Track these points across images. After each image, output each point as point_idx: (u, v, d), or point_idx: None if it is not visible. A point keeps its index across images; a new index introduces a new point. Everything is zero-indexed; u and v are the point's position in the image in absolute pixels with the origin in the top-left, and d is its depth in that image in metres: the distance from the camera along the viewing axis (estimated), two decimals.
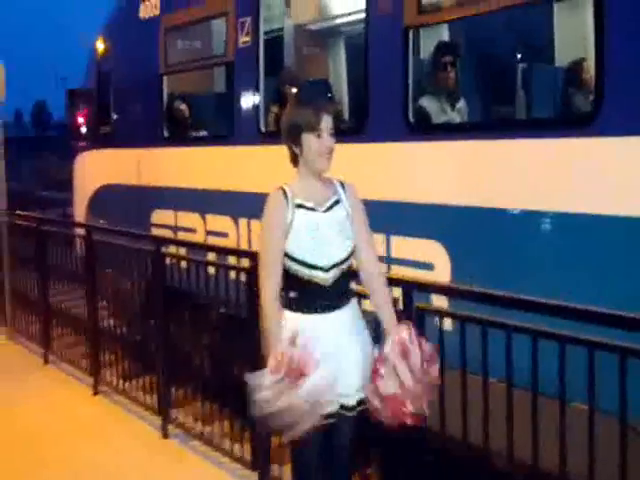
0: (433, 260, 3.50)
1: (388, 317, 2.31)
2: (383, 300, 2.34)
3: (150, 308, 4.51)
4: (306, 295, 2.26)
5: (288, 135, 2.33)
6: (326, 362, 2.19)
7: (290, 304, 2.30)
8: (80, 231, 5.53)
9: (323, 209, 2.31)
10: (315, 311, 2.27)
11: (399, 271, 3.57)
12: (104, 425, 4.34)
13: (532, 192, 3.16)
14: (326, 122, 2.27)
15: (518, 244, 3.21)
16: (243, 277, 3.60)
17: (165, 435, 4.07)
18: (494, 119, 4.48)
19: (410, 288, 2.61)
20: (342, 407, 2.28)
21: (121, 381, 4.77)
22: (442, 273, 3.42)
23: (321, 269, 2.24)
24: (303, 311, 2.27)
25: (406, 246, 3.70)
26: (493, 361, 2.31)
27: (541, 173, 3.13)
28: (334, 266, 2.27)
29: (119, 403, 4.64)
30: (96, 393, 4.85)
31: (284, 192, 2.30)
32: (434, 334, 2.54)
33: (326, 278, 2.25)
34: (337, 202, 2.35)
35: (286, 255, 2.25)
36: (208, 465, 3.67)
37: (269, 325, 2.26)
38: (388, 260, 3.74)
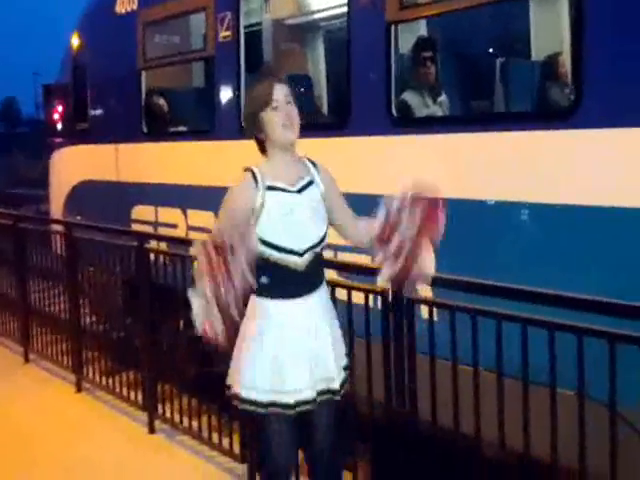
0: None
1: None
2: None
3: (134, 304, 4.48)
4: (279, 280, 2.19)
5: (249, 123, 2.27)
6: (298, 348, 2.19)
7: (261, 290, 2.20)
8: (60, 228, 5.46)
9: (296, 189, 2.25)
10: (288, 297, 2.21)
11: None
12: (90, 422, 4.31)
13: (512, 184, 3.23)
14: (280, 90, 2.21)
15: (498, 235, 3.28)
16: None
17: (152, 430, 4.07)
18: (474, 112, 4.55)
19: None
20: (328, 392, 2.26)
21: (104, 378, 4.74)
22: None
23: (296, 253, 2.18)
24: (275, 297, 2.21)
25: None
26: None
27: (521, 165, 3.21)
28: (308, 249, 2.21)
29: (103, 400, 4.61)
30: (79, 390, 4.81)
31: (253, 175, 2.23)
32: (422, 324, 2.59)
33: (300, 262, 2.20)
34: (310, 182, 2.28)
35: (259, 240, 2.16)
36: (196, 459, 3.67)
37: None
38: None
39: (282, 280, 2.19)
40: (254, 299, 2.24)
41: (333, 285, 2.99)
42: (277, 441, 2.25)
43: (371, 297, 2.81)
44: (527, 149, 3.20)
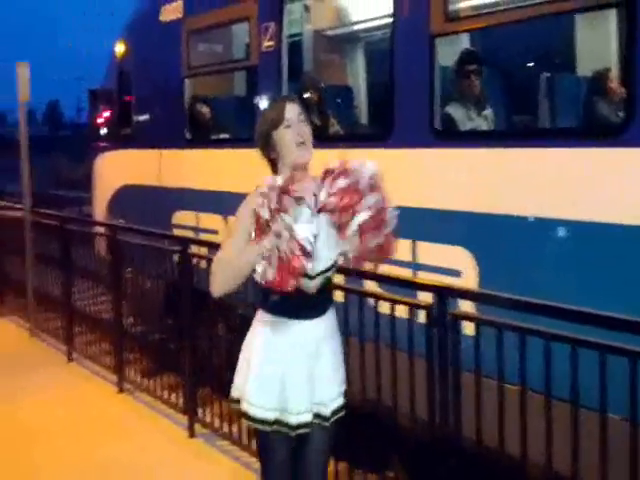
0: (460, 267, 3.55)
1: None
2: None
3: (176, 308, 4.58)
4: (289, 301, 2.18)
5: (261, 143, 2.27)
6: (301, 369, 2.21)
7: (270, 307, 2.23)
8: (105, 230, 5.60)
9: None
10: (296, 317, 2.22)
11: (425, 277, 3.63)
12: (130, 422, 4.41)
13: (558, 201, 3.21)
14: (292, 109, 2.21)
15: (546, 252, 3.26)
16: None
17: (192, 434, 4.14)
18: (520, 127, 4.53)
19: (444, 294, 2.66)
20: (318, 416, 2.26)
21: (145, 379, 4.84)
22: (469, 280, 3.47)
23: (307, 276, 2.16)
24: (283, 316, 2.22)
25: (433, 252, 3.75)
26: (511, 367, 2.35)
27: (568, 182, 3.19)
28: (320, 273, 2.21)
29: (144, 401, 4.71)
30: (121, 391, 4.93)
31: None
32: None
33: (311, 285, 2.20)
34: None
35: None
36: (236, 465, 3.73)
37: (242, 258, 2.12)
38: (415, 266, 3.80)
39: (292, 301, 2.19)
40: (263, 315, 2.27)
41: (376, 298, 3.04)
42: (279, 460, 2.27)
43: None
44: (573, 167, 3.18)
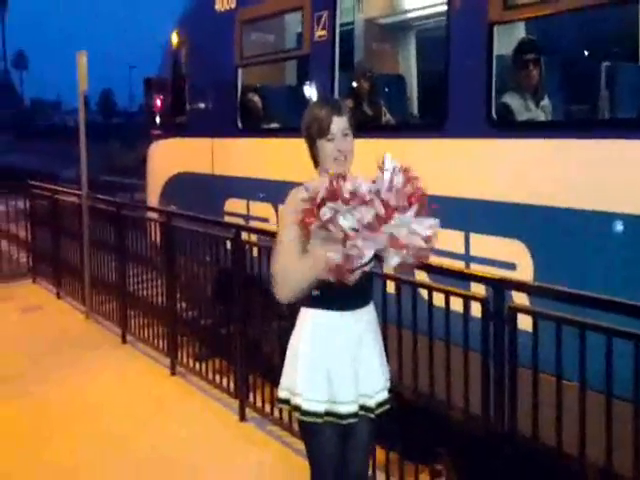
0: (515, 260, 3.51)
1: None
2: None
3: (227, 294, 4.66)
4: (329, 292, 2.23)
5: (305, 139, 2.33)
6: (347, 360, 2.23)
7: (312, 302, 2.28)
8: (160, 217, 5.73)
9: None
10: (339, 308, 2.27)
11: (479, 269, 3.59)
12: (182, 405, 4.53)
13: (615, 194, 3.13)
14: (337, 124, 2.24)
15: (601, 246, 3.19)
16: None
17: (242, 418, 4.23)
18: (577, 118, 4.42)
19: (502, 287, 2.64)
20: (362, 408, 2.28)
21: (197, 363, 4.95)
22: (524, 273, 3.42)
23: None
24: (326, 308, 2.27)
25: (487, 245, 3.71)
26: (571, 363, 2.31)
27: (626, 175, 3.10)
28: (358, 267, 2.20)
29: (196, 384, 4.83)
30: (174, 374, 5.06)
31: (307, 191, 2.22)
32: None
33: (350, 279, 2.17)
34: None
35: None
36: (287, 450, 3.80)
37: (301, 271, 2.16)
38: (468, 258, 3.77)
39: (333, 293, 2.23)
40: (306, 311, 2.31)
41: (430, 289, 3.03)
42: (327, 451, 2.31)
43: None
44: (632, 158, 3.09)
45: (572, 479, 2.42)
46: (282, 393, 2.36)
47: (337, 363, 2.25)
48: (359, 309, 2.31)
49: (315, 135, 2.27)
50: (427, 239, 2.10)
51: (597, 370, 2.30)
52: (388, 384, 2.39)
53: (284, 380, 2.36)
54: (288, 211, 2.24)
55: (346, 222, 2.04)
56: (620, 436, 2.24)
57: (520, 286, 2.81)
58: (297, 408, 2.29)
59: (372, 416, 2.32)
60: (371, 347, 2.33)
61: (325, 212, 2.04)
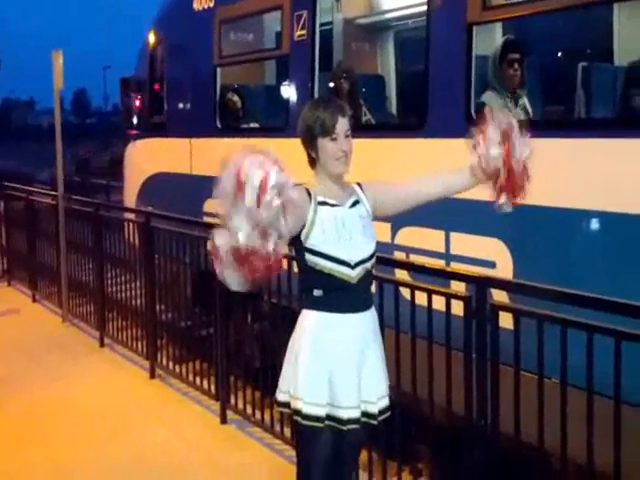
0: (495, 258, 3.53)
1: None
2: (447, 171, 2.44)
3: (207, 296, 4.62)
4: (331, 293, 2.22)
5: (304, 139, 2.30)
6: (349, 365, 2.21)
7: (315, 303, 2.24)
8: (138, 217, 5.66)
9: (347, 206, 2.30)
10: (340, 311, 2.23)
11: (459, 267, 3.61)
12: (162, 408, 4.48)
13: (592, 192, 3.17)
14: (342, 125, 2.25)
15: (578, 243, 3.23)
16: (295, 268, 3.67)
17: (224, 420, 4.19)
18: (555, 117, 4.46)
19: (484, 285, 2.65)
20: (364, 414, 2.24)
21: (177, 365, 4.90)
22: (504, 271, 3.44)
23: (348, 265, 2.20)
24: (329, 310, 2.23)
25: (466, 244, 3.73)
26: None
27: (603, 173, 3.14)
28: (360, 263, 2.23)
29: (176, 387, 4.78)
30: (153, 377, 5.00)
31: (307, 190, 2.26)
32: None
33: (353, 275, 2.22)
34: (357, 202, 2.33)
35: (311, 252, 2.21)
36: (268, 451, 3.77)
37: None
38: (448, 257, 3.79)
39: (335, 293, 2.22)
40: (307, 313, 2.28)
41: (412, 288, 3.03)
42: (323, 457, 2.26)
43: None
44: (608, 156, 3.13)
45: (553, 475, 2.43)
46: (281, 396, 2.31)
47: (339, 366, 2.21)
48: (362, 312, 2.27)
49: (318, 134, 2.24)
50: None
51: (578, 367, 2.32)
52: (388, 390, 2.35)
53: (283, 383, 2.31)
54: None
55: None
56: (601, 433, 2.26)
57: (502, 284, 2.83)
58: (297, 412, 2.23)
59: (375, 423, 2.28)
60: (374, 351, 2.29)
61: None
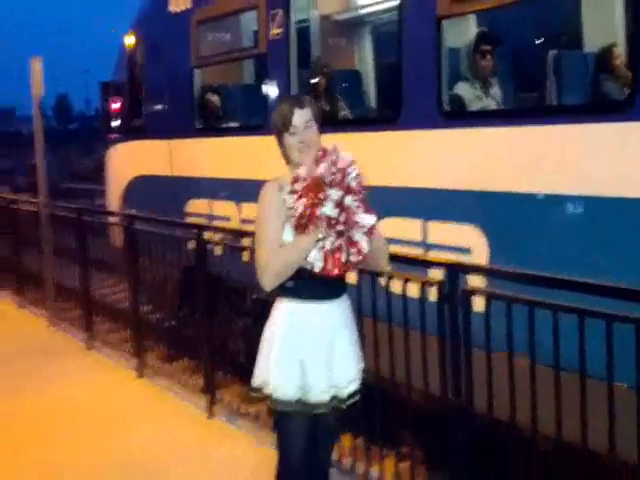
0: (471, 244, 3.61)
1: None
2: None
3: (192, 295, 4.67)
4: (301, 282, 2.28)
5: (275, 136, 2.39)
6: (319, 351, 2.29)
7: (286, 293, 2.32)
8: (121, 220, 5.70)
9: None
10: (312, 299, 2.30)
11: (436, 255, 3.69)
12: (151, 406, 4.52)
13: (565, 177, 3.26)
14: (299, 116, 2.31)
15: (551, 227, 3.31)
16: None
17: (211, 414, 4.25)
18: (525, 106, 4.55)
19: (455, 270, 2.73)
20: (334, 398, 2.33)
21: (164, 364, 4.95)
22: (480, 257, 3.53)
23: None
24: (300, 298, 2.30)
25: (443, 231, 3.81)
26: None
27: (575, 158, 3.23)
28: None
29: (164, 385, 4.82)
30: (141, 376, 5.04)
31: (279, 185, 2.32)
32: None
33: (322, 266, 2.25)
34: None
35: (286, 243, 2.27)
36: (256, 443, 3.82)
37: (289, 256, 2.24)
38: (425, 245, 3.87)
39: (304, 283, 2.28)
40: (280, 302, 2.36)
41: (389, 277, 3.11)
42: (296, 439, 2.36)
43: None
44: (581, 142, 3.21)
45: (525, 449, 2.51)
46: (255, 382, 2.40)
47: (309, 353, 2.29)
48: (333, 300, 2.34)
49: (282, 130, 2.33)
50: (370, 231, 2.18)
51: (548, 347, 2.40)
52: (361, 375, 2.43)
53: (257, 370, 2.39)
54: (266, 205, 2.30)
55: (327, 210, 2.12)
56: (570, 407, 2.34)
57: (472, 269, 2.90)
58: (269, 397, 2.33)
59: (343, 407, 2.37)
60: (345, 338, 2.37)
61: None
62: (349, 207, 2.15)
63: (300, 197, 2.16)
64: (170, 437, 4.02)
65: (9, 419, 4.38)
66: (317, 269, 2.20)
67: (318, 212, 2.13)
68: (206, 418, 4.25)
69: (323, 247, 2.16)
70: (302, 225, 2.17)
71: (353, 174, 2.18)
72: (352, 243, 2.16)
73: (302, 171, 2.21)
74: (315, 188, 2.14)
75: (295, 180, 2.20)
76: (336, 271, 2.19)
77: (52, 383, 4.98)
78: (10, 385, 4.97)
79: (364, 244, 2.17)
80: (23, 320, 6.89)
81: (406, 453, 3.37)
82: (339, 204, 2.14)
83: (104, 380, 5.04)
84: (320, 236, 2.17)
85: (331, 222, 2.14)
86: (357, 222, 2.15)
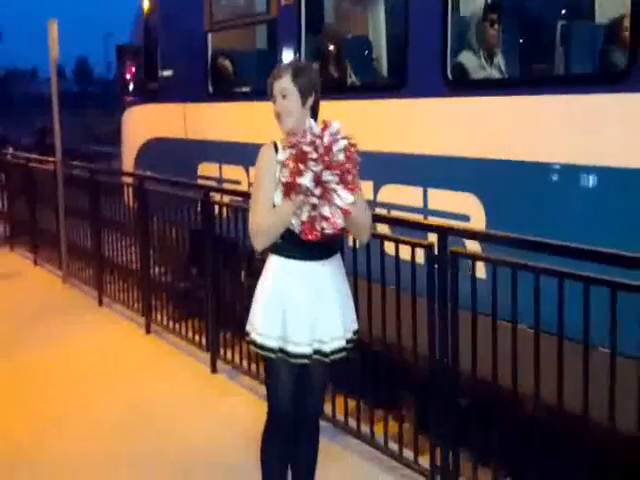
0: (469, 212, 3.68)
1: None
2: None
3: (199, 255, 4.80)
4: (289, 241, 2.38)
5: None
6: (302, 305, 2.40)
7: (276, 249, 2.44)
8: (132, 180, 5.82)
9: None
10: (297, 257, 2.41)
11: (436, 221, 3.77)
12: (157, 361, 4.71)
13: (566, 146, 3.30)
14: (277, 86, 2.42)
15: (552, 197, 3.37)
16: None
17: (214, 370, 4.42)
18: (531, 75, 4.56)
19: (444, 233, 2.82)
20: (317, 352, 2.43)
21: (171, 322, 5.12)
22: (477, 224, 3.60)
23: None
24: (286, 256, 2.42)
25: (443, 198, 3.88)
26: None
27: (577, 127, 3.27)
28: None
29: (170, 341, 5.01)
30: (148, 332, 5.23)
31: (275, 146, 2.41)
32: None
33: (300, 230, 2.33)
34: None
35: (275, 205, 2.36)
36: (255, 397, 3.98)
37: (274, 219, 2.34)
38: (425, 211, 3.95)
39: (294, 242, 2.38)
40: (271, 257, 2.48)
41: (381, 238, 3.20)
42: (282, 386, 2.49)
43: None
44: (586, 112, 3.24)
45: (506, 407, 2.63)
46: (247, 327, 2.55)
47: (293, 306, 2.41)
48: (321, 260, 2.45)
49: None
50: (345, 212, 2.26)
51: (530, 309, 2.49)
52: (349, 335, 2.52)
53: (249, 316, 2.54)
54: (262, 167, 2.40)
55: (304, 181, 2.20)
56: (548, 367, 2.45)
57: (461, 232, 2.99)
58: (254, 342, 2.49)
59: (327, 360, 2.48)
60: (332, 297, 2.46)
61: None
62: (327, 182, 2.21)
63: (286, 164, 2.25)
64: (174, 390, 4.21)
65: (25, 368, 4.59)
66: (299, 233, 2.31)
67: (298, 181, 2.22)
68: (209, 373, 4.43)
69: (299, 215, 2.26)
70: (286, 191, 2.27)
71: (338, 149, 2.23)
72: (324, 217, 2.24)
73: (293, 139, 2.29)
74: (299, 157, 2.22)
75: (289, 147, 2.29)
76: (312, 238, 2.28)
77: (63, 337, 5.18)
78: (26, 337, 5.18)
79: (338, 220, 2.25)
80: (39, 277, 7.12)
81: (397, 413, 3.50)
82: (317, 178, 2.21)
83: (113, 336, 5.24)
84: (298, 204, 2.27)
85: (307, 193, 2.22)
86: (331, 199, 2.22)
